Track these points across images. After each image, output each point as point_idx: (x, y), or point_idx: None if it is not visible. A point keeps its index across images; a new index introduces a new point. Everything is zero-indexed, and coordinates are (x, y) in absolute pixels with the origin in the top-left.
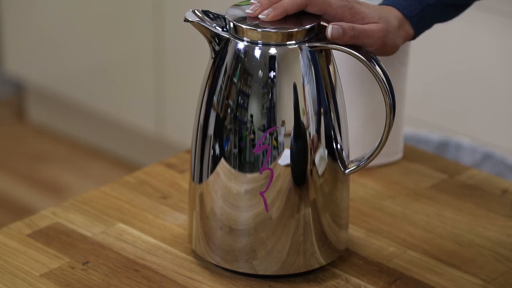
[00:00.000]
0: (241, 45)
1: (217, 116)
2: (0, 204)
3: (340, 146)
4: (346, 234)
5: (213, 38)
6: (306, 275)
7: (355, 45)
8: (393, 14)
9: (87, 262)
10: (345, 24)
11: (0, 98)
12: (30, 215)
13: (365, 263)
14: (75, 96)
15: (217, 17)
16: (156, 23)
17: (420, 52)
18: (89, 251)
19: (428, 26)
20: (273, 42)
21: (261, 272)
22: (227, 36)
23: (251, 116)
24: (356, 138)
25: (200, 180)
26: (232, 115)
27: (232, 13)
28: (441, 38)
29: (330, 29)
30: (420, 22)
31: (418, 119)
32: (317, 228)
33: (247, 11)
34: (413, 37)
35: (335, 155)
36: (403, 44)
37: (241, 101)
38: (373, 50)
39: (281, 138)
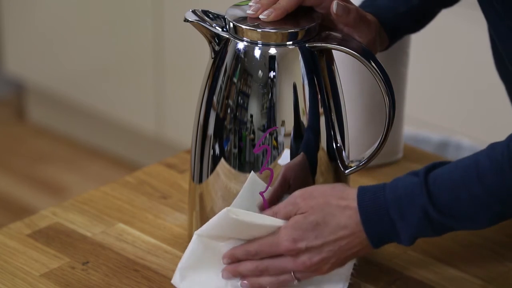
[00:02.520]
0: (241, 45)
1: (217, 116)
2: (0, 204)
3: (340, 146)
4: None
5: (213, 38)
6: None
7: (349, 39)
8: (373, 18)
9: (87, 262)
10: (351, 5)
11: (0, 98)
12: (30, 215)
13: (365, 263)
14: (75, 96)
15: (217, 17)
16: (156, 23)
17: (420, 53)
18: (89, 251)
19: (399, 36)
20: (273, 43)
21: None
22: (227, 36)
23: (251, 116)
24: (356, 138)
25: (200, 180)
26: (232, 115)
27: (232, 13)
28: (441, 38)
29: (335, 5)
30: (393, 31)
31: (418, 119)
32: None
33: (248, 11)
34: (387, 47)
35: (335, 155)
36: (403, 45)
37: (241, 101)
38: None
39: (281, 138)
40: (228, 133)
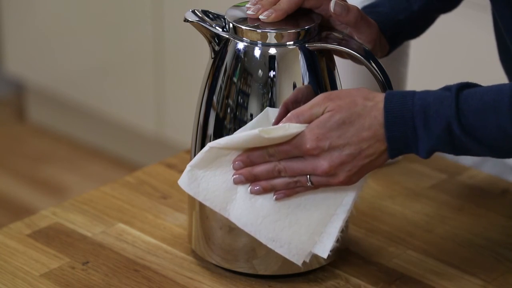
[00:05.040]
0: (241, 45)
1: (217, 115)
2: (0, 204)
3: None
4: (346, 234)
5: (213, 38)
6: (306, 275)
7: (349, 40)
8: (374, 21)
9: (87, 262)
10: (351, 5)
11: (0, 98)
12: (30, 215)
13: (365, 263)
14: (75, 96)
15: (216, 17)
16: (156, 23)
17: (420, 53)
18: (89, 251)
19: (400, 42)
20: (272, 43)
21: (261, 272)
22: (227, 36)
23: (251, 115)
24: None
25: None
26: (232, 115)
27: (232, 14)
28: (441, 38)
29: (333, 3)
30: (393, 38)
31: None
32: None
33: (248, 12)
34: (387, 53)
35: None
36: (403, 45)
37: (241, 101)
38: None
39: None
40: (228, 132)
